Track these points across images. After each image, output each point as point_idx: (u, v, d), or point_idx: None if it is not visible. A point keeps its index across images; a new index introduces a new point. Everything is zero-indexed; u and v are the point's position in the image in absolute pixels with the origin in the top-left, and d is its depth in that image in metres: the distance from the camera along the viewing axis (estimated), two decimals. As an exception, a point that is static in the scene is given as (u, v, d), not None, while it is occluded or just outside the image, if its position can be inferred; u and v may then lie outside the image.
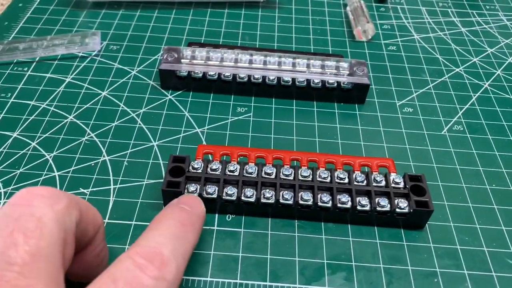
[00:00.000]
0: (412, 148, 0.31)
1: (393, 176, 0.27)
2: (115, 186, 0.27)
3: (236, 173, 0.26)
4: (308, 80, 0.33)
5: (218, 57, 0.33)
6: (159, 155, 0.29)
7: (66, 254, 0.17)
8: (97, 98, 0.33)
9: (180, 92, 0.34)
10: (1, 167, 0.28)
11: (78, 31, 0.39)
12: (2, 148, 0.29)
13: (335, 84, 0.33)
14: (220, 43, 0.38)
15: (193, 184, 0.26)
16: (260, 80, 0.33)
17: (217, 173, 0.26)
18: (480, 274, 0.25)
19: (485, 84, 0.36)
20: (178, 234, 0.19)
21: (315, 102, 0.34)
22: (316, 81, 0.33)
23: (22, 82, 0.34)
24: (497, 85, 0.36)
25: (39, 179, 0.27)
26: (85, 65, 0.35)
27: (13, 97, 0.32)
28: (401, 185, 0.26)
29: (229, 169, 0.26)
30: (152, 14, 0.41)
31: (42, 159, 0.28)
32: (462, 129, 0.33)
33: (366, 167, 0.28)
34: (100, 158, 0.29)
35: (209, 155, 0.28)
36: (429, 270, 0.25)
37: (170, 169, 0.26)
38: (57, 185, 0.27)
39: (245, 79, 0.33)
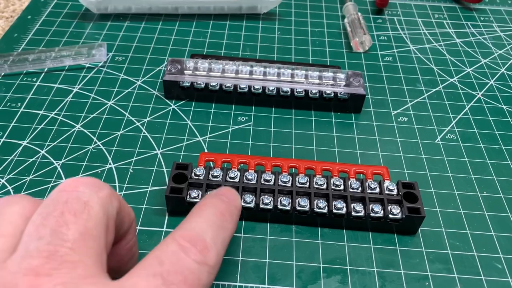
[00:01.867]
0: (406, 156, 0.32)
1: (387, 183, 0.28)
2: (120, 193, 0.28)
3: (236, 180, 0.28)
4: (306, 91, 0.34)
5: (220, 68, 0.35)
6: (162, 162, 0.30)
7: (107, 239, 0.18)
8: (103, 108, 0.34)
9: (183, 102, 0.35)
10: (12, 174, 0.29)
11: (84, 42, 0.40)
12: (13, 156, 0.30)
13: (332, 95, 0.34)
14: (222, 54, 0.40)
15: (195, 190, 0.27)
16: (260, 91, 0.34)
17: (218, 179, 0.28)
18: (470, 278, 0.26)
19: (478, 94, 0.38)
20: (219, 223, 0.20)
21: (313, 112, 0.35)
22: (313, 91, 0.34)
23: (31, 93, 0.35)
24: (489, 95, 0.38)
25: (48, 185, 0.29)
26: (92, 76, 0.37)
27: (22, 107, 0.34)
28: (395, 192, 0.28)
29: (229, 175, 0.28)
30: (156, 26, 0.42)
31: (51, 167, 0.30)
32: (455, 137, 0.34)
33: (361, 175, 0.29)
34: (106, 166, 0.30)
35: (211, 163, 0.29)
36: (421, 274, 0.26)
37: (173, 176, 0.27)
38: (65, 191, 0.28)
39: (246, 90, 0.34)
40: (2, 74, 0.36)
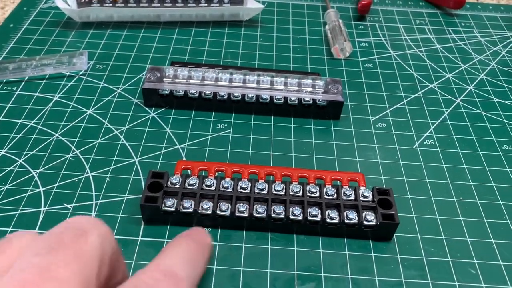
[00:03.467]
0: (383, 162, 0.32)
1: (362, 190, 0.28)
2: (97, 202, 0.28)
3: (213, 188, 0.28)
4: (285, 98, 0.34)
5: (199, 76, 0.35)
6: (140, 171, 0.30)
7: (101, 273, 0.18)
8: (82, 116, 0.34)
9: (163, 109, 0.35)
10: (-11, 183, 0.29)
11: (66, 50, 0.40)
12: (-10, 165, 0.30)
13: (311, 101, 0.34)
14: (204, 62, 0.40)
15: (170, 199, 0.27)
16: (240, 98, 0.35)
17: (194, 188, 0.28)
18: (444, 284, 0.26)
19: (457, 99, 0.38)
20: (191, 259, 0.20)
21: (292, 118, 0.35)
22: (293, 98, 0.34)
23: (11, 101, 0.35)
24: (469, 100, 0.38)
25: (24, 195, 0.29)
26: (72, 84, 0.37)
27: (1, 116, 0.34)
28: (370, 198, 0.28)
29: (205, 184, 0.28)
30: (138, 34, 0.42)
31: (28, 176, 0.30)
32: (433, 143, 0.34)
33: (337, 181, 0.29)
34: (83, 174, 0.30)
35: (188, 171, 0.29)
36: (395, 280, 0.26)
37: (148, 184, 0.27)
38: (42, 200, 0.28)
39: (225, 97, 0.35)
40: (-18, 83, 0.36)
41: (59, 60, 0.38)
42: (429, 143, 0.34)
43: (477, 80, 0.40)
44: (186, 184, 0.28)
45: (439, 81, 0.40)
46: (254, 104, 0.35)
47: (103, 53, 0.40)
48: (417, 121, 0.36)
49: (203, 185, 0.28)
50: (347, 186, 0.28)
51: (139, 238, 0.27)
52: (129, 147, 0.32)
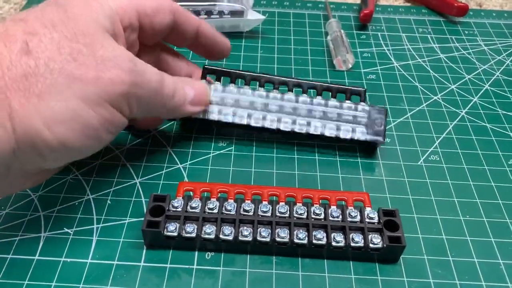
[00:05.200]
0: (388, 180, 0.32)
1: (367, 211, 0.28)
2: (98, 225, 0.28)
3: (215, 211, 0.27)
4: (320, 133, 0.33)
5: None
6: (141, 192, 0.30)
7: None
8: (82, 135, 0.33)
9: (165, 126, 0.35)
10: (-12, 208, 0.29)
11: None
12: (-11, 188, 0.30)
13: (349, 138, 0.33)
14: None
15: (172, 223, 0.26)
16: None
17: (196, 211, 0.27)
18: (451, 307, 0.25)
19: (462, 111, 0.37)
20: None
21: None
22: (328, 134, 0.32)
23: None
24: (473, 112, 0.37)
25: (24, 219, 0.28)
26: (71, 101, 0.36)
27: (0, 136, 0.33)
28: (376, 220, 0.27)
29: (208, 206, 0.27)
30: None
31: (28, 199, 0.29)
32: (438, 159, 0.34)
33: (342, 201, 0.29)
34: (84, 197, 0.30)
35: (190, 192, 0.28)
36: (402, 304, 0.25)
37: (150, 208, 0.27)
38: (42, 225, 0.28)
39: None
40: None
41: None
42: (434, 158, 0.34)
43: (481, 91, 0.39)
44: (189, 207, 0.27)
45: (443, 93, 0.39)
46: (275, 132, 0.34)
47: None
48: (422, 135, 0.35)
49: (206, 208, 0.27)
50: (352, 207, 0.28)
51: (141, 263, 0.26)
52: (130, 167, 0.32)
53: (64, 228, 0.28)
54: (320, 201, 0.28)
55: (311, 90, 0.34)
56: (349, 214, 0.27)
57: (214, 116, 0.32)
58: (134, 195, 0.30)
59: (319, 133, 0.33)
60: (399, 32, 0.46)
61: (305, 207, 0.28)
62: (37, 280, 0.25)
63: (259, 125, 0.33)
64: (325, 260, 0.27)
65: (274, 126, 0.33)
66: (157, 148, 0.33)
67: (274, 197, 0.29)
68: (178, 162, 0.32)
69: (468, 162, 0.33)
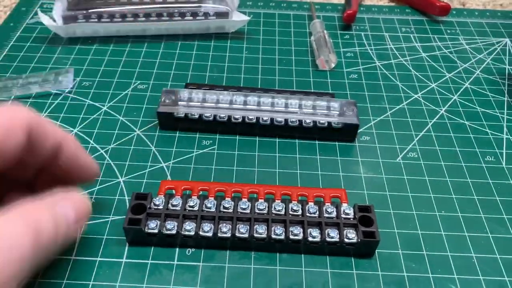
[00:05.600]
0: (366, 176, 0.33)
1: (344, 206, 0.28)
2: (82, 224, 0.29)
3: (196, 208, 0.28)
4: (300, 120, 0.34)
5: (214, 98, 0.35)
6: (125, 191, 0.31)
7: None
8: (68, 136, 0.34)
9: (148, 127, 0.35)
10: (-25, 207, 0.29)
11: (53, 67, 0.40)
12: (-24, 188, 0.31)
13: (326, 124, 0.34)
14: (189, 76, 0.40)
15: (153, 221, 0.27)
16: (254, 121, 0.35)
17: (177, 208, 0.28)
18: (424, 299, 0.26)
19: (441, 110, 0.38)
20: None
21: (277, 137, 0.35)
22: (308, 121, 0.34)
23: (-3, 121, 0.35)
24: (453, 110, 0.38)
25: (10, 218, 0.29)
26: (59, 103, 0.37)
27: (-12, 137, 0.34)
28: (351, 215, 0.28)
29: (189, 204, 0.28)
30: (124, 48, 0.43)
31: (14, 198, 0.30)
32: (416, 156, 0.34)
33: (320, 198, 0.29)
34: (69, 196, 0.30)
35: (172, 190, 0.29)
36: (376, 297, 0.26)
37: (132, 206, 0.28)
38: (27, 224, 0.29)
39: (239, 120, 0.35)
40: (-31, 103, 0.37)
41: (45, 79, 0.38)
42: (412, 155, 0.34)
43: (461, 90, 0.40)
44: (170, 205, 0.28)
45: (423, 91, 0.40)
46: (239, 124, 0.35)
47: (90, 69, 0.40)
48: (401, 133, 0.36)
49: (186, 206, 0.28)
50: (329, 204, 0.29)
51: (124, 260, 0.27)
52: (114, 166, 0.32)
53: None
54: (298, 198, 0.29)
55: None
56: (326, 210, 0.28)
57: (195, 113, 0.34)
58: (118, 193, 0.31)
59: (297, 121, 0.34)
60: (382, 31, 0.47)
61: (283, 204, 0.29)
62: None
63: (239, 118, 0.34)
64: (302, 255, 0.28)
65: (254, 118, 0.34)
66: (141, 148, 0.34)
67: (255, 194, 0.29)
68: (162, 161, 0.33)
69: (445, 159, 0.34)
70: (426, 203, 0.31)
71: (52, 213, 0.21)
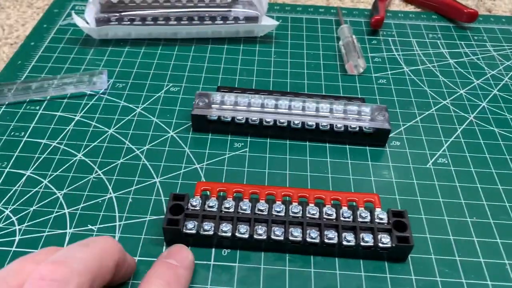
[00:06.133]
0: (398, 181, 0.33)
1: (377, 211, 0.29)
2: (120, 223, 0.30)
3: (231, 210, 0.29)
4: (331, 124, 0.35)
5: (246, 102, 0.35)
6: (161, 191, 0.31)
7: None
8: (104, 136, 0.35)
9: (181, 129, 0.36)
10: (16, 205, 0.30)
11: (86, 68, 0.41)
12: (17, 186, 0.31)
13: (357, 129, 0.35)
14: (220, 79, 0.41)
15: (191, 222, 0.28)
16: (286, 124, 0.35)
17: (213, 210, 0.29)
18: (458, 305, 0.27)
19: (470, 116, 0.38)
20: (172, 282, 0.23)
21: (307, 140, 0.36)
22: (339, 125, 0.35)
23: (35, 121, 0.36)
24: (481, 117, 0.38)
25: (50, 216, 0.30)
26: (93, 103, 0.38)
27: (26, 136, 0.35)
28: (385, 220, 0.28)
29: (225, 206, 0.29)
30: (156, 51, 0.43)
31: (53, 197, 0.31)
32: (446, 162, 0.35)
33: (353, 202, 0.30)
34: (106, 195, 0.31)
35: (207, 192, 0.30)
36: (410, 301, 0.27)
37: (170, 207, 0.28)
38: (67, 222, 0.29)
39: (271, 123, 0.35)
40: (6, 103, 0.37)
41: (80, 79, 0.39)
42: (442, 161, 0.35)
43: (490, 96, 0.40)
44: (206, 206, 0.29)
45: (452, 97, 0.40)
46: (272, 128, 0.35)
47: (122, 71, 0.41)
48: (431, 139, 0.36)
49: (222, 207, 0.29)
50: (363, 208, 0.29)
51: (162, 259, 0.28)
52: (150, 167, 0.33)
53: (88, 225, 0.29)
54: (332, 201, 0.30)
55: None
56: (360, 214, 0.29)
57: (227, 116, 0.35)
58: (154, 193, 0.31)
59: (328, 126, 0.35)
60: (409, 37, 0.47)
61: (317, 208, 0.29)
62: (64, 273, 0.27)
63: (271, 122, 0.35)
64: (336, 258, 0.28)
65: (285, 122, 0.35)
66: (175, 149, 0.34)
67: (287, 197, 0.30)
68: (196, 163, 0.33)
69: (475, 165, 0.34)
70: (458, 209, 0.31)
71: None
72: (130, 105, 0.38)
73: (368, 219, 0.29)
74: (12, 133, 0.35)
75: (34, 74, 0.40)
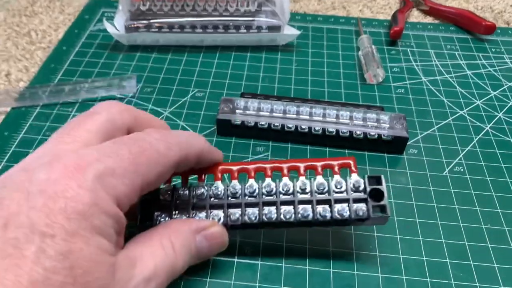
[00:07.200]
0: (415, 188, 0.34)
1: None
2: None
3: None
4: (350, 131, 0.36)
5: (269, 107, 0.37)
6: (187, 191, 0.33)
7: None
8: (133, 138, 0.37)
9: (207, 132, 0.38)
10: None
11: (115, 73, 0.43)
12: (52, 182, 0.33)
13: (376, 136, 0.36)
14: (243, 85, 0.42)
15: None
16: (307, 130, 0.37)
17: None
18: (471, 307, 0.28)
19: (486, 126, 0.39)
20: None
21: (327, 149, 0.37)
22: (358, 132, 0.36)
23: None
24: (498, 127, 0.39)
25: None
26: (122, 106, 0.40)
27: (60, 136, 0.37)
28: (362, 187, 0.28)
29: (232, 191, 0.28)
30: (182, 58, 0.45)
31: (86, 194, 0.33)
32: (462, 170, 0.36)
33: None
34: (136, 194, 0.33)
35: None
36: (426, 302, 0.28)
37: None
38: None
39: (292, 129, 0.37)
40: (41, 104, 0.39)
41: (110, 83, 0.41)
42: (458, 169, 0.36)
43: (506, 107, 0.41)
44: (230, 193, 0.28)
45: (468, 108, 0.41)
46: (292, 133, 0.37)
47: (150, 76, 0.43)
48: (447, 147, 0.37)
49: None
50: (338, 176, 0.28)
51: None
52: (176, 168, 0.35)
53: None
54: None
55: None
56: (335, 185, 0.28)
57: (251, 121, 0.37)
58: (181, 193, 0.33)
59: (347, 133, 0.36)
60: (427, 48, 0.48)
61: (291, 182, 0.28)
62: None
63: (292, 127, 0.36)
64: (354, 259, 0.30)
65: (306, 128, 0.36)
66: (201, 152, 0.36)
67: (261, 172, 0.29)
68: (220, 165, 0.35)
69: (491, 174, 0.35)
70: (472, 216, 0.32)
71: (188, 245, 0.25)
72: (158, 109, 0.40)
73: (343, 188, 0.28)
74: (47, 133, 0.37)
75: (67, 78, 0.42)
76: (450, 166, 0.36)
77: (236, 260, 0.29)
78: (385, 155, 0.36)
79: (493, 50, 0.48)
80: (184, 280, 0.28)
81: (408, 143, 0.37)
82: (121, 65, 0.44)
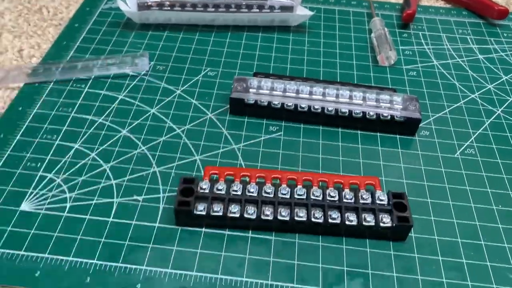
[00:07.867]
0: (426, 169, 0.34)
1: (378, 193, 0.30)
2: (164, 195, 0.31)
3: (239, 193, 0.30)
4: (364, 112, 0.36)
5: (282, 87, 0.37)
6: (201, 168, 0.33)
7: None
8: (147, 115, 0.37)
9: (220, 111, 0.38)
10: (66, 174, 0.32)
11: (128, 50, 0.43)
12: (66, 157, 0.34)
13: (389, 117, 0.36)
14: (255, 65, 0.42)
15: (201, 204, 0.29)
16: (306, 109, 0.37)
17: (222, 192, 0.30)
18: (482, 285, 0.28)
19: (498, 110, 0.40)
20: None
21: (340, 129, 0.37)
22: (371, 113, 0.36)
23: (81, 98, 0.38)
24: (509, 111, 0.39)
25: (98, 186, 0.32)
26: (135, 84, 0.40)
27: (73, 112, 0.37)
28: (385, 202, 0.30)
29: (232, 189, 0.30)
30: (194, 37, 0.45)
31: (101, 169, 0.33)
32: (474, 152, 0.36)
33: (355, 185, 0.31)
34: (150, 169, 0.33)
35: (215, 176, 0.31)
36: (437, 280, 0.28)
37: (181, 190, 0.29)
38: (114, 192, 0.31)
39: (305, 109, 0.37)
40: (54, 80, 0.40)
41: (123, 61, 0.41)
42: (470, 152, 0.36)
43: (518, 92, 0.41)
44: (215, 189, 0.30)
45: (480, 92, 0.41)
46: (306, 113, 0.37)
47: (162, 55, 0.43)
48: (459, 130, 0.38)
49: (230, 190, 0.30)
50: (364, 190, 0.30)
51: (203, 229, 0.30)
52: (190, 145, 0.35)
53: (134, 195, 0.31)
54: (334, 185, 0.31)
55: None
56: (361, 196, 0.30)
57: (264, 100, 0.37)
58: (195, 170, 0.33)
59: (360, 113, 0.36)
60: (439, 32, 0.48)
61: (320, 190, 0.30)
62: (112, 238, 0.29)
63: (305, 107, 0.37)
64: (367, 240, 0.30)
65: (319, 108, 0.36)
66: (214, 130, 0.36)
67: (293, 181, 0.31)
68: (233, 143, 0.35)
69: (502, 156, 0.36)
70: (484, 198, 0.33)
71: None
72: (170, 87, 0.40)
73: (369, 200, 0.30)
74: (60, 108, 0.37)
75: (79, 55, 0.42)
76: (462, 148, 0.36)
77: (250, 235, 0.30)
78: (397, 136, 0.37)
79: (505, 35, 0.48)
80: (199, 254, 0.28)
81: (420, 125, 0.37)
82: (133, 43, 0.44)
